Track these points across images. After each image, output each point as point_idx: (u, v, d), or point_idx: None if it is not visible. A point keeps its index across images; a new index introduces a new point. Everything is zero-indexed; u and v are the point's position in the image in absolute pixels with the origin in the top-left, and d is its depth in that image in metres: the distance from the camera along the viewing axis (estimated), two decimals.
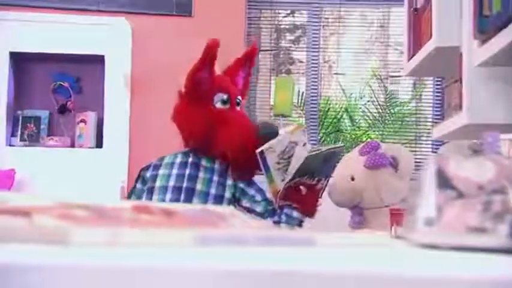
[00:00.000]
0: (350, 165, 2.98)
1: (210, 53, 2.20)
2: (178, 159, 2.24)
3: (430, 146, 3.98)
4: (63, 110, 3.67)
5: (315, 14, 4.12)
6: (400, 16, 4.15)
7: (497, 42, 1.39)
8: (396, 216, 2.58)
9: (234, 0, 3.86)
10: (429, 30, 2.00)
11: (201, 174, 2.18)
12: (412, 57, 2.19)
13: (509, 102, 1.57)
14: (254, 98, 4.03)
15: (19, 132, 3.61)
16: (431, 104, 4.04)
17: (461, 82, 1.71)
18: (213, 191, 2.15)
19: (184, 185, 2.15)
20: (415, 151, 3.85)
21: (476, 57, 1.53)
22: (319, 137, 4.06)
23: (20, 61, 3.62)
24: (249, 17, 3.98)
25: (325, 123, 4.12)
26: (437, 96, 3.97)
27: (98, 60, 3.53)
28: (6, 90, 3.53)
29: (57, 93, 3.68)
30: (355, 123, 4.19)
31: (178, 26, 3.74)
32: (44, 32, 3.52)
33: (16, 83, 3.64)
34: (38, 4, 3.66)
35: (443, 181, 0.58)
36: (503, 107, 1.57)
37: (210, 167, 2.19)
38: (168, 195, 2.13)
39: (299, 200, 2.09)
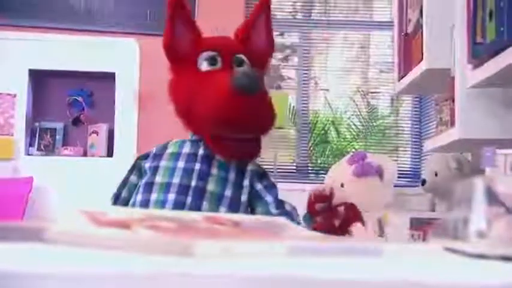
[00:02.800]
0: (340, 173, 3.00)
1: (172, 5, 1.64)
2: (186, 149, 1.67)
3: (409, 155, 4.03)
4: (77, 122, 3.66)
5: (305, 36, 4.16)
6: (378, 39, 4.23)
7: (490, 67, 1.42)
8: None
9: (233, 22, 3.87)
10: (420, 53, 2.02)
11: (214, 171, 1.62)
12: (402, 77, 2.22)
13: (499, 119, 1.60)
14: None
15: (36, 143, 3.59)
16: (409, 118, 4.09)
17: (452, 101, 1.73)
18: (228, 193, 1.61)
19: (194, 183, 1.60)
20: (396, 160, 3.88)
21: (469, 79, 1.56)
22: (308, 147, 4.09)
23: (38, 77, 3.62)
24: None
25: (313, 135, 4.15)
26: (414, 111, 4.02)
27: (109, 77, 3.53)
28: (26, 104, 3.52)
29: (71, 107, 3.67)
30: (340, 135, 4.22)
31: None
32: (60, 51, 3.51)
33: (34, 97, 3.62)
34: (54, 26, 3.65)
35: (492, 198, 0.60)
36: (493, 123, 1.60)
37: (226, 162, 1.63)
38: (172, 195, 1.58)
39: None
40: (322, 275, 0.45)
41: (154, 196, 1.59)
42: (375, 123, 4.15)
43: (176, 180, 1.60)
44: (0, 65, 3.45)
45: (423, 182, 2.28)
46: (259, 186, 1.63)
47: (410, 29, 2.21)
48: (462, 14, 1.62)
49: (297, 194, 3.64)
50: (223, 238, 0.59)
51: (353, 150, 3.94)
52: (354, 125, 4.16)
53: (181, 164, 1.63)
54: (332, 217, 1.83)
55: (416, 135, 3.99)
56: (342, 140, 4.19)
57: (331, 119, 4.19)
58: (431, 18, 1.96)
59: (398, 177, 3.71)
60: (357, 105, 4.16)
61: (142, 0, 3.78)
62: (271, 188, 1.66)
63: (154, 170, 1.63)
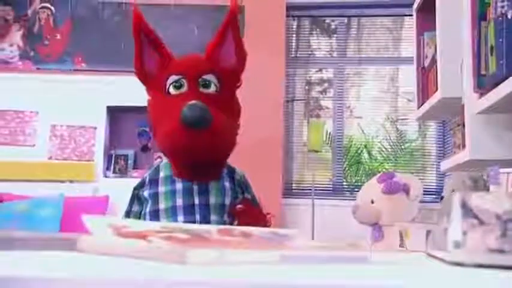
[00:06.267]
0: (370, 191, 2.95)
1: (136, 33, 1.47)
2: None
3: (434, 175, 3.92)
4: (145, 149, 3.74)
5: (340, 71, 4.14)
6: (406, 72, 4.17)
7: (493, 96, 1.38)
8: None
9: (276, 62, 3.90)
10: (435, 84, 1.99)
11: (211, 183, 1.47)
12: (421, 105, 2.17)
13: (504, 142, 1.54)
14: (291, 137, 4.05)
15: (112, 167, 3.69)
16: (434, 142, 3.98)
17: (463, 126, 1.69)
18: (227, 201, 1.46)
19: (197, 200, 1.44)
20: (422, 179, 3.78)
21: (476, 106, 1.51)
22: (344, 168, 4.04)
23: (113, 112, 3.74)
24: (287, 75, 4.02)
25: (348, 157, 4.10)
26: (439, 135, 3.92)
27: None
28: (104, 134, 3.64)
29: (140, 136, 3.76)
30: (372, 157, 4.15)
31: None
32: (131, 90, 3.58)
33: (111, 129, 3.75)
34: (126, 69, 3.75)
35: (467, 211, 0.58)
36: (498, 145, 1.55)
37: None
38: (181, 218, 1.43)
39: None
40: (307, 281, 0.44)
41: (164, 222, 1.43)
42: (403, 146, 4.06)
43: (179, 202, 1.44)
44: (83, 103, 3.60)
45: (441, 198, 2.21)
46: (247, 196, 1.51)
47: (427, 64, 2.17)
48: (469, 50, 1.58)
49: (333, 209, 3.61)
50: (229, 247, 0.58)
51: (383, 170, 3.87)
52: (384, 148, 4.09)
53: (179, 185, 1.46)
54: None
55: (440, 156, 3.88)
56: (374, 161, 4.12)
57: (364, 143, 4.13)
58: (444, 54, 1.93)
59: (425, 194, 3.61)
60: (386, 130, 4.09)
61: (192, 46, 3.83)
62: (255, 199, 1.53)
63: (155, 197, 1.47)
